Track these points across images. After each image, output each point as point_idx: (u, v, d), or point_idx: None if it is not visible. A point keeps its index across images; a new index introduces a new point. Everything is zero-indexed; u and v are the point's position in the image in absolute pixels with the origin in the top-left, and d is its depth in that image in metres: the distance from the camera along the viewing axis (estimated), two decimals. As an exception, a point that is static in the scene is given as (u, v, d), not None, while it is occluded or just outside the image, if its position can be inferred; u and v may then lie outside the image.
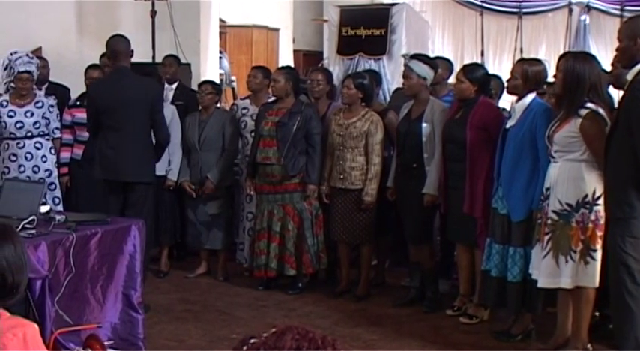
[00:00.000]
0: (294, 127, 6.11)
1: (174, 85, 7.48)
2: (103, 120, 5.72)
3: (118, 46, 5.76)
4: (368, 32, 8.34)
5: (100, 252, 4.72)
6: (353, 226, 6.10)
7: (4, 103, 6.40)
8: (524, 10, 12.79)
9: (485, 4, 12.98)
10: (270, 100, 6.60)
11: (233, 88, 10.80)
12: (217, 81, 8.32)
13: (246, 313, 5.80)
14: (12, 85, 6.37)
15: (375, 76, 7.04)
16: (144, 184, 5.77)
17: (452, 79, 6.99)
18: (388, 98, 7.64)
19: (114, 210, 5.59)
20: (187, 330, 5.43)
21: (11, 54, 6.33)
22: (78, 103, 6.70)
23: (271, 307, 5.96)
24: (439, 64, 6.24)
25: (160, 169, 6.58)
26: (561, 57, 4.88)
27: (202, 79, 7.91)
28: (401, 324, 5.60)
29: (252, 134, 6.58)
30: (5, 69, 6.38)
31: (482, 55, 12.48)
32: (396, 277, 6.63)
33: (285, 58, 13.07)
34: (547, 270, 4.71)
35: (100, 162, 5.77)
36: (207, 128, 6.64)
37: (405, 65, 5.92)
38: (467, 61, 9.40)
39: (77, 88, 6.91)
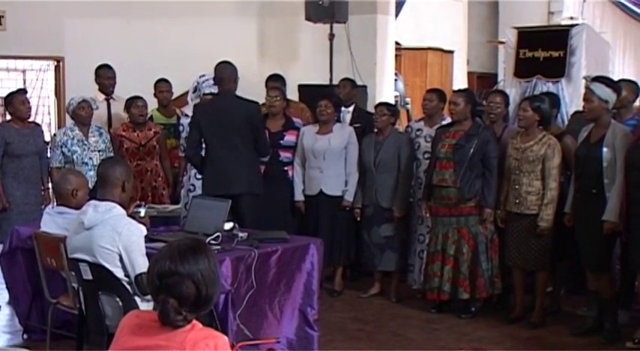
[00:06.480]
0: (471, 150, 6.09)
1: (351, 108, 7.51)
2: (207, 138, 6.09)
3: (222, 73, 6.13)
4: (546, 54, 8.16)
5: (279, 269, 4.87)
6: (528, 251, 5.98)
7: (191, 124, 6.69)
8: None
9: (670, 24, 12.44)
10: (444, 122, 6.61)
11: (408, 110, 10.86)
12: (392, 103, 8.37)
13: (419, 336, 5.81)
14: (200, 106, 6.67)
15: (554, 99, 6.89)
16: (250, 195, 6.05)
17: (638, 103, 6.74)
18: (566, 121, 7.45)
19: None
20: (360, 350, 5.49)
21: (199, 77, 6.65)
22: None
23: (444, 331, 5.93)
24: (623, 86, 6.02)
25: (336, 189, 6.74)
26: None
27: (378, 101, 8.00)
28: (578, 354, 5.45)
29: (425, 156, 6.63)
30: (194, 91, 6.71)
31: (665, 76, 11.94)
32: (572, 306, 6.45)
33: (459, 80, 13.04)
34: None
35: (208, 178, 6.12)
36: (383, 150, 6.69)
37: (586, 88, 5.76)
38: (649, 84, 9.04)
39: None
